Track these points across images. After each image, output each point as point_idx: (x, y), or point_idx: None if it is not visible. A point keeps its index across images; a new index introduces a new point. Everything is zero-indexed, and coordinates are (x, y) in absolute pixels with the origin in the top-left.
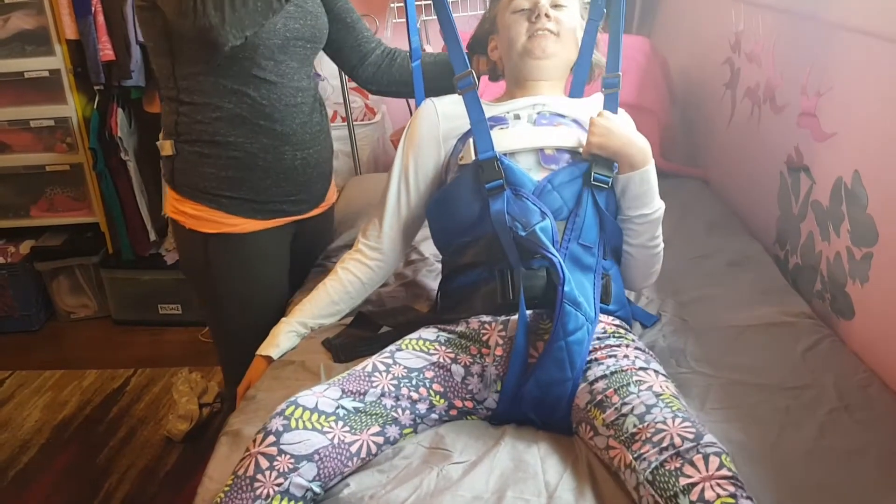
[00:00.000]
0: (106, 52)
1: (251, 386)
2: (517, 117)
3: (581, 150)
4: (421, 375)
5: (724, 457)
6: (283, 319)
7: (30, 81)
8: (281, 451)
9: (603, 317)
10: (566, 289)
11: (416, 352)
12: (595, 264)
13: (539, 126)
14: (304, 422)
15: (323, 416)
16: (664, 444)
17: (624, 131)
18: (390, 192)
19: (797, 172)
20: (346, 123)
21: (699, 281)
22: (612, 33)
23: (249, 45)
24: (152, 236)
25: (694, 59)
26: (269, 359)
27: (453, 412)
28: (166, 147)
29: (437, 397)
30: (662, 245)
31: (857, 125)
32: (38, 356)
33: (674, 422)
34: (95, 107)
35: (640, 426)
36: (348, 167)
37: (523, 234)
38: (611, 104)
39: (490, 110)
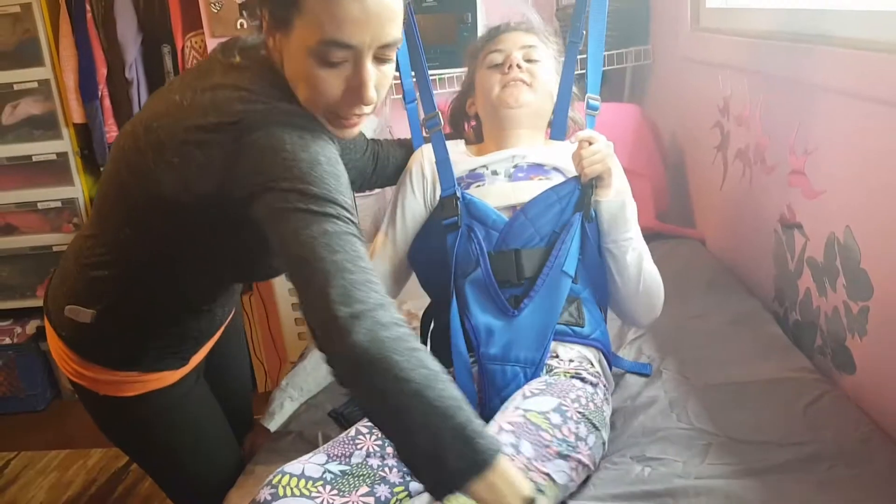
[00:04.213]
0: (112, 134)
1: (253, 450)
2: (495, 173)
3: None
4: None
5: None
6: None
7: (37, 164)
8: None
9: (555, 362)
10: (482, 350)
11: None
12: (567, 292)
13: (515, 181)
14: (291, 489)
15: (310, 482)
16: None
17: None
18: (379, 232)
19: (791, 230)
20: None
21: (699, 339)
22: (592, 53)
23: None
24: None
25: (685, 124)
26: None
27: None
28: (82, 314)
29: None
30: (658, 274)
31: (845, 182)
32: (44, 436)
33: None
34: None
35: None
36: None
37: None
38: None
39: (469, 162)
